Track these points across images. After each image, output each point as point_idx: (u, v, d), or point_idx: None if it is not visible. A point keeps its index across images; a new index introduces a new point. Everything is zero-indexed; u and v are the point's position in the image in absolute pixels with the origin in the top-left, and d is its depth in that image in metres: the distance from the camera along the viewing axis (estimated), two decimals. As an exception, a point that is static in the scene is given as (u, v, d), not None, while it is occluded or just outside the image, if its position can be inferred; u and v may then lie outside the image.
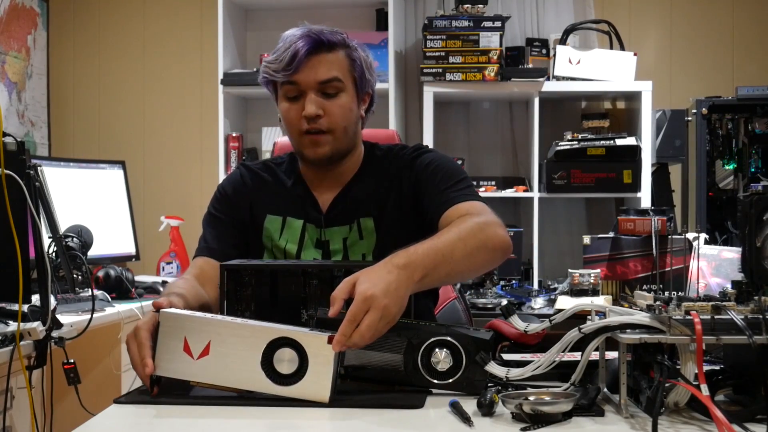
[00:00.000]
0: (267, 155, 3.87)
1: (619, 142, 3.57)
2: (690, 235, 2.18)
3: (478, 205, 1.73)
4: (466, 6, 3.61)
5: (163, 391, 1.41)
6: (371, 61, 1.86)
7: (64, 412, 2.30)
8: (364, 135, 1.96)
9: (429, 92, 3.64)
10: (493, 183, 3.76)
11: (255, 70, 3.83)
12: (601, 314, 1.33)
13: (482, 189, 3.70)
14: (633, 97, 3.74)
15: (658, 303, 1.29)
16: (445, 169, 1.83)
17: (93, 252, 2.84)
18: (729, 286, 1.37)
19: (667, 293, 2.01)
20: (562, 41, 3.71)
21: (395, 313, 1.38)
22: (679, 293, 1.95)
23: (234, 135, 3.82)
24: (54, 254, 2.22)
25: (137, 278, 3.07)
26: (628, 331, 1.27)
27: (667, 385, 1.25)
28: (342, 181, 1.88)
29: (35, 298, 1.90)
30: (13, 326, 1.89)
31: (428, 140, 3.64)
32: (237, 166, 1.99)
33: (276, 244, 1.85)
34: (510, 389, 1.37)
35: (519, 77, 3.63)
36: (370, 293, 1.35)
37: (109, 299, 2.70)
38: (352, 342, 1.34)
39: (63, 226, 2.51)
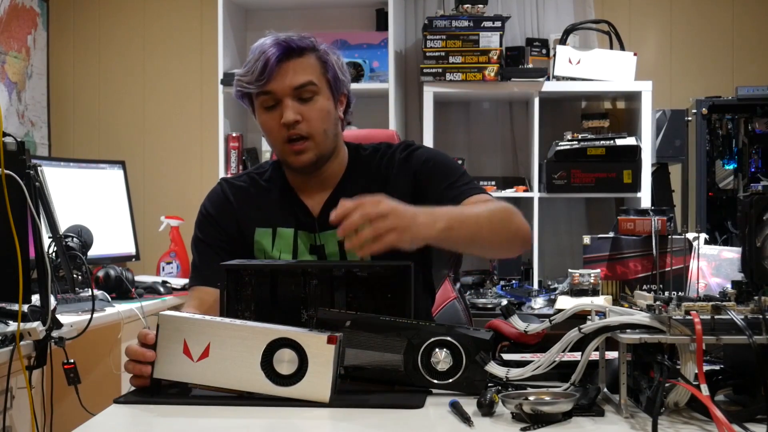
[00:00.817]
0: (267, 155, 3.87)
1: (619, 142, 3.57)
2: (690, 235, 2.18)
3: (490, 197, 1.75)
4: (466, 6, 3.61)
5: (163, 391, 1.41)
6: (343, 62, 1.85)
7: (64, 412, 2.30)
8: (365, 135, 1.96)
9: (429, 92, 3.63)
10: (493, 183, 3.76)
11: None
12: (601, 314, 1.33)
13: (482, 189, 3.69)
14: (633, 97, 3.74)
15: (658, 303, 1.29)
16: (445, 164, 1.83)
17: (93, 252, 2.84)
18: (729, 286, 1.37)
19: (667, 293, 2.01)
20: (562, 41, 3.71)
21: (407, 225, 1.41)
22: (679, 293, 1.95)
23: (234, 135, 3.81)
24: (54, 254, 2.22)
25: (137, 278, 3.07)
26: (628, 331, 1.27)
27: (667, 385, 1.25)
28: (330, 184, 1.86)
29: (35, 298, 1.90)
30: (13, 326, 1.89)
31: (428, 140, 3.64)
32: (218, 182, 1.95)
33: (269, 255, 1.83)
34: (510, 389, 1.37)
35: (519, 77, 3.63)
36: (381, 199, 1.41)
37: (109, 299, 2.70)
38: (351, 222, 1.37)
39: (63, 226, 2.51)
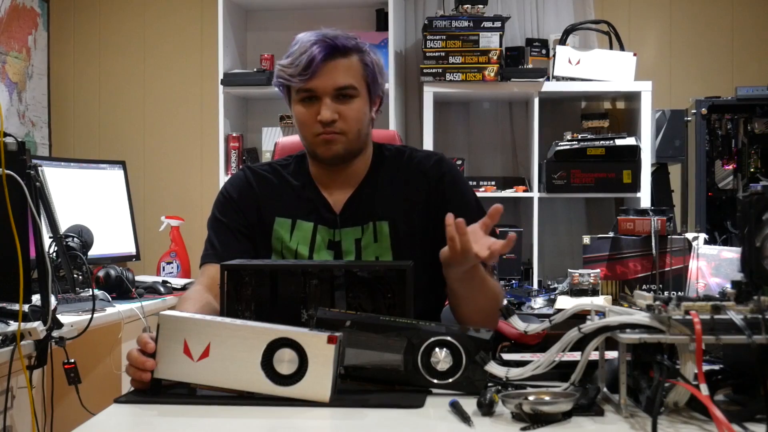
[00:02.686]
0: (267, 155, 3.87)
1: (619, 142, 3.57)
2: (689, 235, 2.18)
3: None
4: (466, 6, 3.61)
5: (164, 391, 1.41)
6: (382, 65, 1.89)
7: (64, 412, 2.30)
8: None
9: (429, 92, 3.64)
10: (493, 183, 3.76)
11: (255, 70, 3.83)
12: (601, 314, 1.33)
13: (482, 189, 3.70)
14: (633, 97, 3.74)
15: (657, 303, 1.29)
16: (470, 196, 1.91)
17: (93, 252, 2.84)
18: (729, 286, 1.37)
19: (666, 293, 2.01)
20: (562, 41, 3.71)
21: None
22: (679, 293, 1.95)
23: (234, 135, 3.82)
24: (54, 254, 2.22)
25: (137, 278, 3.07)
26: (627, 331, 1.27)
27: (666, 384, 1.25)
28: (354, 182, 1.89)
29: (36, 298, 1.90)
30: (13, 326, 1.89)
31: (428, 140, 3.64)
32: (241, 168, 1.98)
33: (287, 245, 1.85)
34: (510, 389, 1.37)
35: (519, 77, 3.63)
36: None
37: (110, 299, 2.70)
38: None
39: (63, 226, 2.52)
